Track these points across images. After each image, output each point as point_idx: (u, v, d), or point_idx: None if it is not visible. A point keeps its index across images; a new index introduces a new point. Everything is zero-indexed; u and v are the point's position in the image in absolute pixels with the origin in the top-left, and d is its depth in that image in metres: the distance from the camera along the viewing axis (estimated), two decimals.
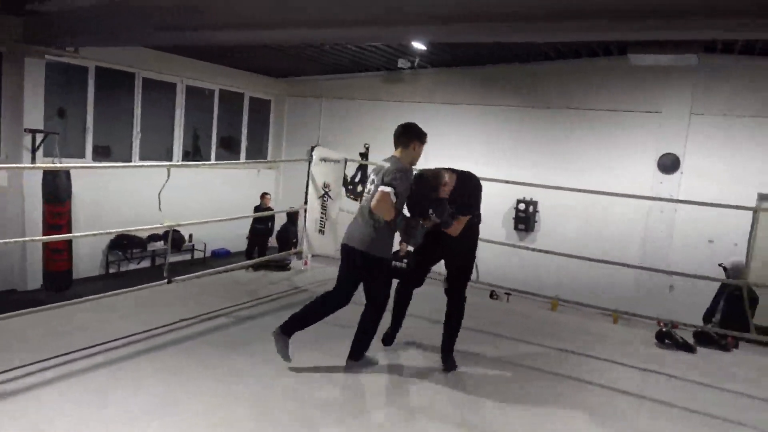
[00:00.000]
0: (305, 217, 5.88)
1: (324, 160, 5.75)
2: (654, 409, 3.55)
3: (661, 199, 9.01)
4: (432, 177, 3.82)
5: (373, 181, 3.78)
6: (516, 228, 11.06)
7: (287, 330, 3.72)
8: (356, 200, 13.22)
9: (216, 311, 4.65)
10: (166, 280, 4.80)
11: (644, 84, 9.93)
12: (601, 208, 9.82)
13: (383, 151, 13.30)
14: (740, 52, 9.04)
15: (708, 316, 7.07)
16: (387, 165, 3.71)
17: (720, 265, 7.01)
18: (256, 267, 6.15)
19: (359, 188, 13.03)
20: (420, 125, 3.95)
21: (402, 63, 10.82)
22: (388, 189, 3.52)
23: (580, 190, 6.13)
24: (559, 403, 3.53)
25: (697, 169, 9.65)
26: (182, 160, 11.77)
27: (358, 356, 3.81)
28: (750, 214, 9.12)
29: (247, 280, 5.75)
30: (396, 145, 3.83)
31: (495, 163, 11.11)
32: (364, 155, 12.76)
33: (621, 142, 10.23)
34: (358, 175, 12.99)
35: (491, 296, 10.47)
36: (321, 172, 5.76)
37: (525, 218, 10.92)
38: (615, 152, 10.26)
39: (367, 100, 12.78)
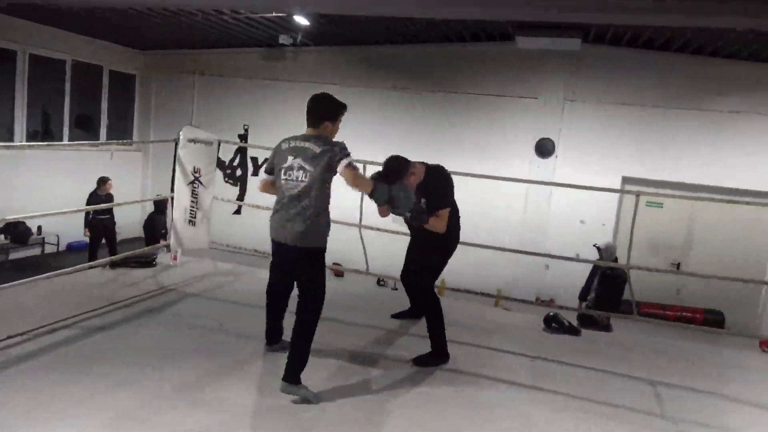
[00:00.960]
0: (172, 206, 5.18)
1: (193, 141, 5.09)
2: (549, 401, 3.46)
3: (537, 182, 9.27)
4: (402, 162, 3.67)
5: (300, 166, 3.19)
6: None
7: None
8: (235, 185, 12.43)
9: (57, 323, 3.88)
10: None
11: (525, 70, 10.18)
12: (485, 191, 9.97)
13: (263, 133, 12.64)
14: (610, 43, 9.52)
15: (583, 295, 7.40)
16: (312, 146, 3.19)
17: (594, 245, 7.34)
18: (114, 264, 5.34)
19: (238, 172, 12.23)
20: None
21: (284, 39, 10.16)
22: (348, 160, 3.13)
23: (463, 174, 6.00)
24: (457, 400, 3.32)
25: (570, 154, 10.10)
26: (29, 141, 10.23)
27: (295, 378, 3.13)
28: (617, 196, 9.72)
29: (102, 282, 4.95)
30: (318, 121, 3.29)
31: (383, 147, 10.84)
32: (243, 137, 11.97)
33: (503, 127, 10.44)
34: (237, 159, 12.18)
35: (378, 283, 10.33)
36: (190, 155, 5.09)
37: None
38: (498, 137, 10.45)
39: (246, 78, 11.94)
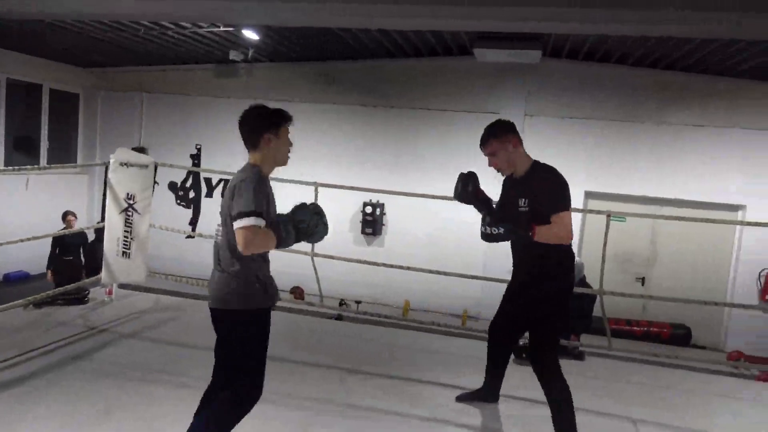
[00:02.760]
0: (102, 237, 4.67)
1: (126, 164, 4.61)
2: None
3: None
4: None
5: (222, 207, 2.57)
6: (363, 232, 10.59)
7: None
8: (188, 208, 11.85)
9: None
10: None
11: (485, 85, 10.01)
12: (446, 209, 9.71)
13: (217, 152, 12.12)
14: (568, 56, 9.46)
15: None
16: (233, 181, 2.55)
17: None
18: (39, 304, 4.78)
19: (191, 194, 11.66)
20: None
21: (234, 55, 9.74)
22: (246, 222, 2.34)
23: (419, 195, 5.73)
24: None
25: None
26: None
27: None
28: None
29: (21, 325, 4.39)
30: (246, 144, 2.64)
31: (339, 165, 10.54)
32: (196, 157, 11.42)
33: (465, 143, 10.20)
34: (189, 180, 11.61)
35: (340, 305, 9.91)
36: (122, 179, 4.61)
37: (372, 221, 10.49)
38: (459, 153, 10.21)
39: (197, 95, 11.44)
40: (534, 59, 8.08)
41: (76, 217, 8.34)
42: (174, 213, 11.48)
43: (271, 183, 7.15)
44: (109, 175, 4.56)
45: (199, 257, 11.12)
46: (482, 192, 3.25)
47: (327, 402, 3.47)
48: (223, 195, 2.79)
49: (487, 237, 3.07)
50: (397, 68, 10.35)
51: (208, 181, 11.50)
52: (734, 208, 9.37)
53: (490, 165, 3.25)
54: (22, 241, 4.33)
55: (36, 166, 10.91)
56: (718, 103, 9.30)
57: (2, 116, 10.30)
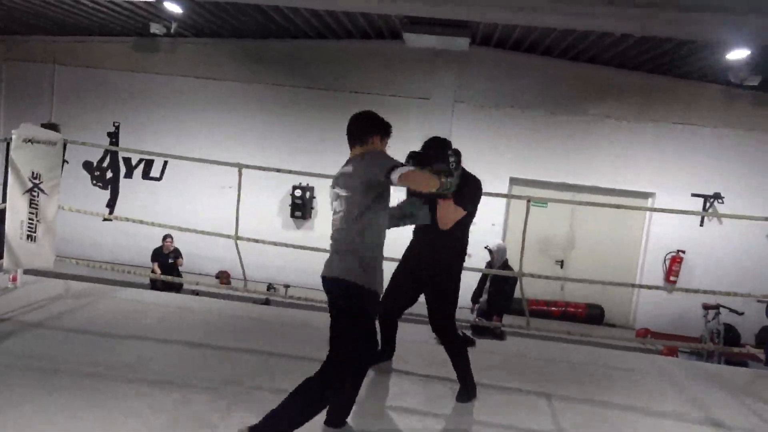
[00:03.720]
0: (3, 220, 4.32)
1: (30, 141, 4.27)
2: (439, 427, 3.19)
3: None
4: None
5: (344, 196, 2.73)
6: (293, 215, 10.45)
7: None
8: (105, 189, 11.19)
9: None
10: None
11: (416, 70, 10.06)
12: None
13: (137, 130, 11.53)
14: (496, 46, 9.66)
15: (476, 297, 7.36)
16: (348, 168, 2.77)
17: (486, 247, 7.33)
18: None
19: (109, 174, 11.01)
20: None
21: (156, 28, 9.22)
22: (404, 168, 2.62)
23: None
24: None
25: (462, 156, 10.11)
26: None
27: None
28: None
29: None
30: (354, 142, 2.91)
31: (268, 147, 10.30)
32: (114, 135, 10.80)
33: (394, 127, 10.25)
34: (107, 159, 10.98)
35: (268, 289, 9.75)
36: (26, 157, 4.27)
37: (301, 205, 10.37)
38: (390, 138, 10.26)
39: (115, 69, 10.77)
40: (462, 46, 8.20)
41: None
42: (90, 194, 10.84)
43: (195, 164, 6.93)
44: (11, 152, 4.21)
45: (117, 241, 10.59)
46: None
47: (252, 387, 3.40)
48: None
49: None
50: (328, 49, 10.19)
51: (127, 160, 10.91)
52: (645, 195, 10.00)
53: None
54: None
55: None
56: (632, 97, 9.84)
57: None
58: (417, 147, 9.92)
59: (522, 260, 4.71)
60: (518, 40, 9.28)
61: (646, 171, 9.89)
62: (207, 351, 3.93)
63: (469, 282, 7.53)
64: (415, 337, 4.40)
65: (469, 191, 3.46)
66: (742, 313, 8.52)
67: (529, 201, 4.65)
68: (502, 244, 6.96)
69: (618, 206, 5.65)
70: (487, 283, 7.11)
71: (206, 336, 4.20)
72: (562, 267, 10.23)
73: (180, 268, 9.37)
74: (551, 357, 4.53)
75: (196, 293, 8.05)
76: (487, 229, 9.89)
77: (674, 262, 9.79)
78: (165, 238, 9.21)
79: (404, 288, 3.55)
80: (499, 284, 6.79)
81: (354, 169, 2.73)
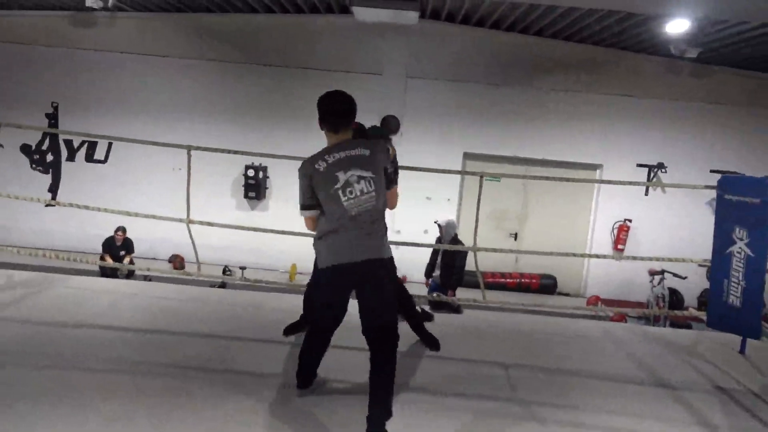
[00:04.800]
0: None
1: None
2: (398, 399, 3.23)
3: None
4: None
5: (360, 177, 2.72)
6: (246, 196, 10.26)
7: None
8: (46, 173, 10.64)
9: None
10: None
11: (367, 45, 9.94)
12: None
13: (78, 110, 10.99)
14: (446, 20, 9.63)
15: (429, 272, 7.45)
16: (362, 150, 2.77)
17: (435, 222, 7.41)
18: None
19: (49, 158, 10.47)
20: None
21: (92, 2, 8.71)
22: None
23: (299, 158, 5.57)
24: (296, 412, 2.94)
25: (414, 131, 10.14)
26: None
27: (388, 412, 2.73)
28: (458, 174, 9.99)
29: None
30: (350, 123, 2.89)
31: (217, 125, 10.02)
32: (53, 116, 10.26)
33: None
34: (46, 142, 10.44)
35: (224, 272, 9.59)
36: None
37: (255, 185, 10.18)
38: None
39: (51, 46, 10.19)
40: (412, 20, 8.12)
41: None
42: (30, 179, 10.33)
43: (143, 146, 6.62)
44: None
45: (61, 227, 10.15)
46: None
47: (208, 370, 3.35)
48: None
49: None
50: (277, 24, 9.94)
51: (68, 143, 10.42)
52: (593, 167, 10.29)
53: None
54: None
55: None
56: (579, 69, 10.03)
57: None
58: (372, 122, 9.85)
59: (476, 235, 4.78)
60: (467, 14, 9.29)
61: (594, 143, 10.17)
62: (164, 336, 3.84)
63: (422, 258, 7.70)
64: None
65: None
66: (685, 278, 8.97)
67: (482, 177, 4.69)
68: (452, 219, 7.04)
69: (568, 179, 5.78)
70: (438, 259, 7.21)
71: (160, 321, 4.10)
72: (516, 239, 10.47)
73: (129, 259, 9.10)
74: (507, 328, 4.64)
75: (149, 279, 7.84)
76: (443, 204, 10.01)
77: (621, 231, 10.18)
78: (117, 230, 8.90)
79: None
80: (450, 259, 6.90)
81: (372, 153, 2.78)
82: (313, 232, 2.93)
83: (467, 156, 10.22)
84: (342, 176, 2.71)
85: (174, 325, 4.06)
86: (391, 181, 3.06)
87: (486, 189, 5.09)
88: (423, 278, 7.12)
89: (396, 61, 10.05)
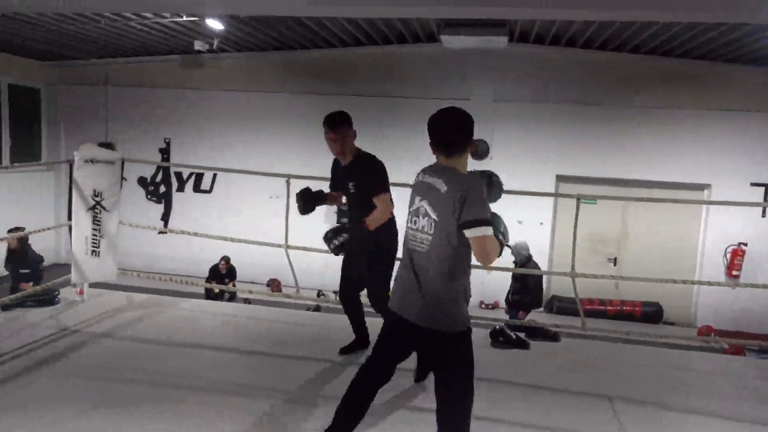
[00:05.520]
0: (70, 236, 4.55)
1: (91, 161, 4.49)
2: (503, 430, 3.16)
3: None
4: None
5: (426, 212, 2.35)
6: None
7: None
8: (159, 203, 11.61)
9: None
10: None
11: (454, 71, 10.03)
12: None
13: (187, 145, 11.89)
14: (534, 42, 9.51)
15: (508, 298, 7.31)
16: (442, 183, 2.34)
17: (507, 245, 7.27)
18: (6, 306, 4.65)
19: (162, 189, 11.44)
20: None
21: (199, 45, 9.54)
22: (488, 230, 2.22)
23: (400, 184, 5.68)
24: None
25: (504, 155, 10.02)
26: None
27: None
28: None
29: None
30: (450, 150, 2.42)
31: (312, 155, 10.44)
32: (165, 151, 11.21)
33: None
34: (159, 175, 11.39)
35: (318, 295, 9.88)
36: (88, 176, 4.49)
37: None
38: (428, 142, 10.24)
39: (164, 87, 11.19)
40: (500, 45, 8.13)
41: None
42: (145, 209, 11.28)
43: (244, 176, 7.05)
44: (75, 172, 4.44)
45: (171, 252, 10.96)
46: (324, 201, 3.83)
47: (307, 393, 3.46)
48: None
49: (336, 249, 3.62)
50: (366, 56, 10.29)
51: (178, 175, 11.30)
52: (700, 187, 9.62)
53: (334, 149, 3.62)
54: None
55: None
56: (682, 85, 9.50)
57: None
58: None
59: (574, 259, 4.61)
60: (557, 35, 9.12)
61: (700, 161, 9.52)
62: (263, 358, 4.02)
63: (499, 281, 7.49)
64: None
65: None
66: None
67: (578, 199, 4.54)
68: (522, 240, 6.87)
69: (673, 200, 5.46)
70: (512, 283, 7.05)
71: (260, 343, 4.29)
72: (615, 264, 9.95)
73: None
74: (610, 358, 4.40)
75: (248, 301, 8.25)
76: (536, 228, 9.75)
77: (736, 256, 9.38)
78: (221, 260, 9.47)
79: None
80: (522, 280, 6.72)
81: (447, 191, 2.29)
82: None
83: (560, 178, 9.93)
84: (417, 201, 2.43)
85: (274, 347, 4.22)
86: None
87: (582, 210, 4.91)
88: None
89: (483, 86, 10.04)
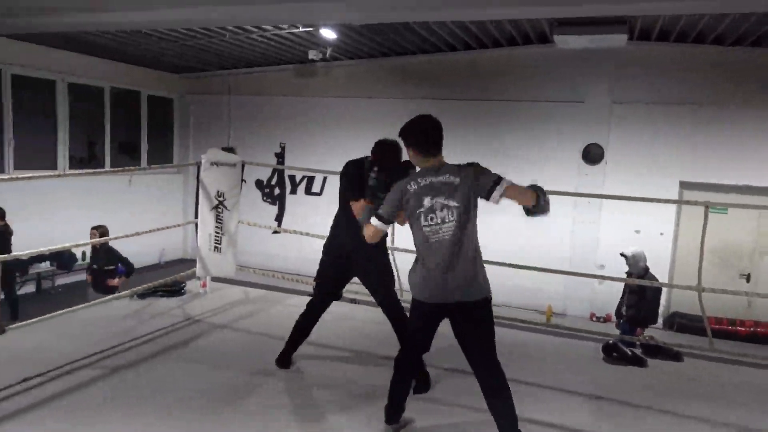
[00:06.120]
0: (196, 233, 4.95)
1: (216, 164, 4.85)
2: None
3: (587, 195, 8.78)
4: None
5: (442, 205, 2.73)
6: None
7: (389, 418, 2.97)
8: (273, 205, 12.28)
9: (76, 362, 3.66)
10: None
11: (567, 72, 9.62)
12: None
13: (299, 149, 12.44)
14: (657, 39, 8.89)
15: (618, 311, 6.82)
16: (451, 177, 2.77)
17: (621, 254, 6.76)
18: (142, 294, 5.15)
19: (276, 191, 12.08)
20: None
21: (313, 54, 9.97)
22: (510, 181, 2.79)
23: None
24: None
25: (621, 159, 9.46)
26: (74, 168, 10.37)
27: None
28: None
29: (127, 313, 4.75)
30: (439, 148, 2.89)
31: None
32: (280, 155, 11.83)
33: (547, 134, 9.89)
34: (275, 178, 12.05)
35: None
36: (213, 178, 4.86)
37: None
38: (539, 145, 9.92)
39: (279, 95, 11.83)
40: (619, 43, 7.62)
41: None
42: (261, 209, 11.97)
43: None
44: (201, 174, 4.82)
45: (284, 252, 11.53)
46: None
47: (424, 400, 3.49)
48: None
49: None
50: (474, 60, 10.17)
51: (291, 178, 11.88)
52: None
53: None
54: (127, 236, 4.71)
55: (138, 167, 11.76)
56: None
57: (108, 123, 11.17)
58: (573, 151, 9.48)
59: (700, 273, 4.23)
60: (683, 31, 8.44)
61: None
62: (365, 356, 4.10)
63: (611, 292, 7.02)
64: None
65: None
66: None
67: (707, 207, 4.17)
68: (639, 250, 6.37)
69: None
70: (626, 296, 6.56)
71: (365, 341, 4.38)
72: (748, 281, 9.01)
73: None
74: (740, 384, 3.99)
75: (355, 301, 8.46)
76: (654, 238, 9.09)
77: None
78: None
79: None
80: (639, 294, 6.23)
81: (461, 182, 2.74)
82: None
83: (684, 185, 9.17)
84: (428, 201, 2.73)
85: (381, 348, 4.28)
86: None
87: (710, 221, 4.50)
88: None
89: (599, 87, 9.54)
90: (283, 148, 11.85)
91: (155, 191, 11.85)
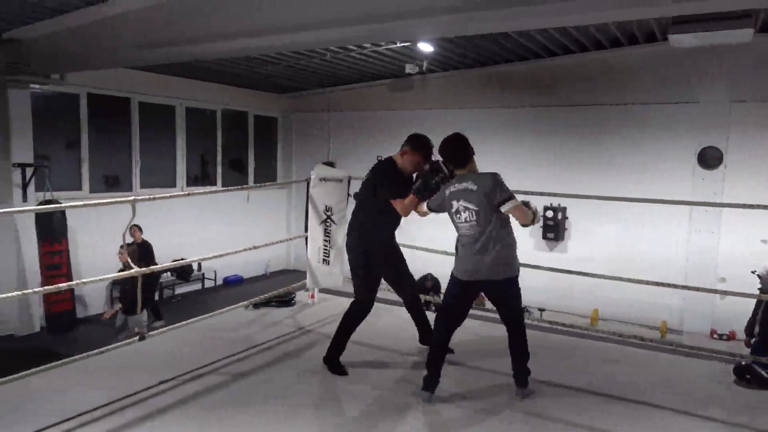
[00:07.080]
0: (306, 246, 5.18)
1: (324, 179, 5.05)
2: None
3: (704, 204, 8.17)
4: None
5: (465, 208, 3.44)
6: (545, 237, 10.25)
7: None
8: None
9: (202, 368, 3.95)
10: (137, 338, 4.11)
11: (679, 72, 9.08)
12: (637, 210, 8.97)
13: None
14: None
15: (749, 329, 6.24)
16: (471, 185, 3.44)
17: (753, 272, 6.22)
18: (257, 304, 5.46)
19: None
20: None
21: (410, 68, 10.14)
22: (517, 201, 3.43)
23: (611, 198, 5.33)
24: None
25: (741, 163, 8.74)
26: (190, 186, 11.25)
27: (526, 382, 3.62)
28: None
29: (244, 322, 5.06)
30: (465, 163, 3.61)
31: (520, 167, 10.33)
32: None
33: (655, 137, 9.36)
34: None
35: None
36: (321, 193, 5.06)
37: (554, 226, 10.10)
38: (649, 149, 9.39)
39: (376, 110, 12.13)
40: (744, 38, 6.99)
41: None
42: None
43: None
44: (311, 189, 5.04)
45: None
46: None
47: (499, 406, 3.43)
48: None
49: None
50: (574, 64, 9.86)
51: None
52: None
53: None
54: (246, 250, 5.02)
55: (255, 184, 12.48)
56: None
57: (219, 142, 12.01)
58: (687, 156, 8.91)
59: None
60: None
61: None
62: (461, 369, 4.07)
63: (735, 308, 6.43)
64: None
65: None
66: None
67: None
68: None
69: None
70: (759, 314, 5.95)
71: (465, 356, 4.34)
72: None
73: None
74: None
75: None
76: (755, 247, 8.31)
77: None
78: (425, 279, 9.77)
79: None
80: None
81: (478, 189, 3.40)
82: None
83: None
84: (455, 204, 3.47)
85: (471, 359, 4.24)
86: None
87: None
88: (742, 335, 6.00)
89: (716, 86, 8.89)
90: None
91: (263, 206, 12.54)
